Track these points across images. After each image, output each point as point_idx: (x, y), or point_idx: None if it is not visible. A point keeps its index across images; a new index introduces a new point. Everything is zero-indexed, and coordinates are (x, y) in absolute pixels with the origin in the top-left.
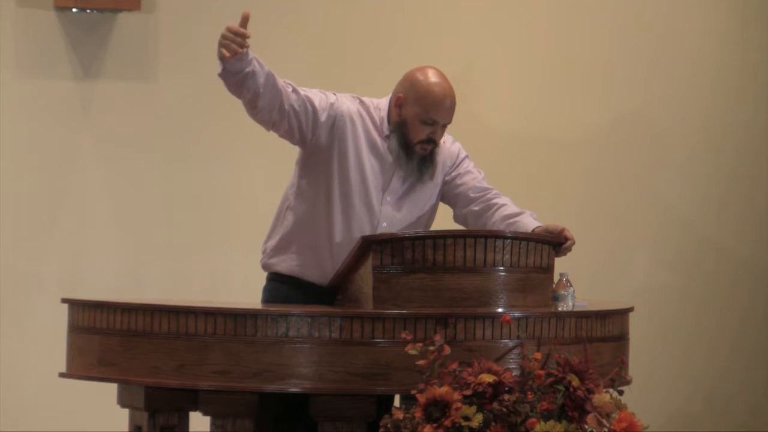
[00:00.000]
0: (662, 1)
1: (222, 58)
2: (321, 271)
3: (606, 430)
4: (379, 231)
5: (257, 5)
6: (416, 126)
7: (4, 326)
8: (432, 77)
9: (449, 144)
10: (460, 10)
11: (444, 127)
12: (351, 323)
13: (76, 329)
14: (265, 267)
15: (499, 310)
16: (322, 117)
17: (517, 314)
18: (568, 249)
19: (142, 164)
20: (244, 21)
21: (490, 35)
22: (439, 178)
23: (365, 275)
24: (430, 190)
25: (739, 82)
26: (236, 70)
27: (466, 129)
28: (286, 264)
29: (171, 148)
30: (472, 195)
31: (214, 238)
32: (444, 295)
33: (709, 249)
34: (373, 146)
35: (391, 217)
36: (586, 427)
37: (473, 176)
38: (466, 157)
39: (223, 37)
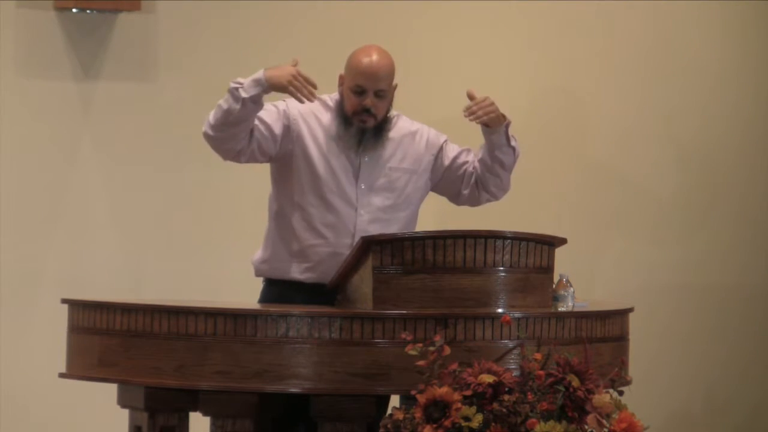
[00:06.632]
0: (660, 4)
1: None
2: (314, 273)
3: (606, 430)
4: (359, 220)
5: (265, 11)
6: (349, 97)
7: (4, 326)
8: (365, 50)
9: (425, 132)
10: (462, 17)
11: (377, 95)
12: (351, 323)
13: (76, 329)
14: (257, 273)
15: (499, 310)
16: (277, 129)
17: (517, 314)
18: (482, 111)
19: (142, 164)
20: (296, 63)
21: (490, 34)
22: (419, 165)
23: (365, 275)
24: (408, 175)
25: (738, 82)
26: (262, 101)
27: (464, 129)
28: (280, 271)
29: (171, 148)
30: (470, 170)
31: (214, 238)
32: (444, 295)
33: (708, 249)
34: (334, 136)
35: (369, 203)
36: (586, 427)
37: (464, 153)
38: (446, 141)
39: (295, 77)
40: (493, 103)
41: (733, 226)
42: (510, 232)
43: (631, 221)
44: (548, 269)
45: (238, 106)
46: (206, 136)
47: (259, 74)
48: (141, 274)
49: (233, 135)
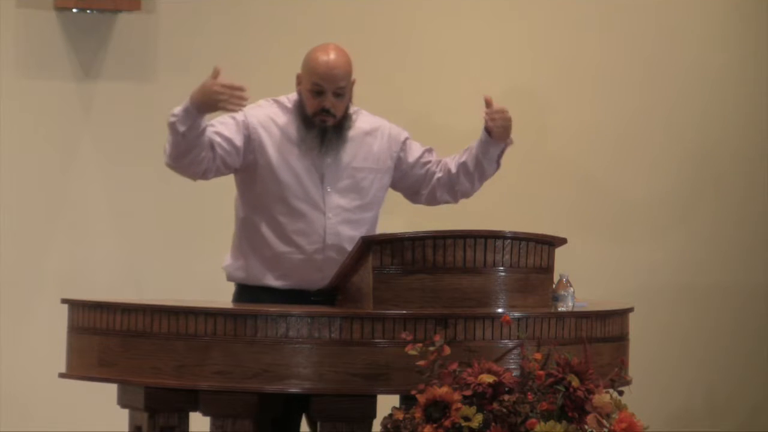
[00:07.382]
0: (660, 3)
1: (202, 108)
2: (289, 280)
3: (606, 430)
4: (328, 223)
5: (265, 10)
6: (308, 98)
7: (4, 326)
8: (322, 49)
9: (386, 129)
10: (463, 12)
11: (336, 94)
12: (351, 323)
13: (75, 329)
14: (230, 279)
15: (499, 310)
16: (238, 142)
17: (517, 314)
18: (501, 120)
19: (142, 164)
20: (217, 74)
21: (487, 34)
22: (383, 164)
23: (365, 275)
24: (372, 174)
25: (738, 82)
26: (202, 125)
27: (463, 133)
28: (255, 277)
29: None
30: (434, 170)
31: (214, 238)
32: (444, 295)
33: (708, 249)
34: (296, 140)
35: (336, 206)
36: (586, 427)
37: (427, 152)
38: (408, 138)
39: (219, 93)
40: (510, 118)
41: (733, 226)
42: (510, 232)
43: (631, 221)
44: (548, 269)
45: (180, 139)
46: (168, 167)
47: (187, 102)
48: (141, 274)
49: (191, 160)
